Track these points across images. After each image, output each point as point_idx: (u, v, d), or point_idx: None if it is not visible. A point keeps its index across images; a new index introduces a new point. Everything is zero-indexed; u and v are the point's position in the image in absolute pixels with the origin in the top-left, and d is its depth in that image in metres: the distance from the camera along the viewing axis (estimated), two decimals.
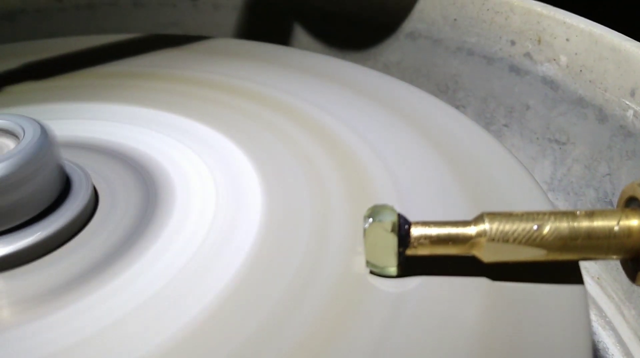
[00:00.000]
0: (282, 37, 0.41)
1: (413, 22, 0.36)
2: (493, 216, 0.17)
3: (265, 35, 0.41)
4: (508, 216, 0.17)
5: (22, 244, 0.19)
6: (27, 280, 0.18)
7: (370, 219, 0.17)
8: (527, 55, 0.32)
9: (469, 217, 0.17)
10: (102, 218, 0.21)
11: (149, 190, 0.22)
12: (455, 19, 0.34)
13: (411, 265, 0.17)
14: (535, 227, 0.16)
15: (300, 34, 0.41)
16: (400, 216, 0.17)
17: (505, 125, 0.34)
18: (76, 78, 0.31)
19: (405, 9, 0.37)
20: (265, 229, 0.20)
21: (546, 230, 0.16)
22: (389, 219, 0.17)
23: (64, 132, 0.25)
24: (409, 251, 0.17)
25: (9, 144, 0.20)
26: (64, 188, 0.21)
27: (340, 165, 0.23)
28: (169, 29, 0.42)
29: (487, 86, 0.34)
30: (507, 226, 0.16)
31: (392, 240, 0.17)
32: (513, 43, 0.32)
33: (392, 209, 0.17)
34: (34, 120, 0.20)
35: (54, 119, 0.27)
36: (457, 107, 0.36)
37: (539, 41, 0.31)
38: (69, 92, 0.29)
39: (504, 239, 0.16)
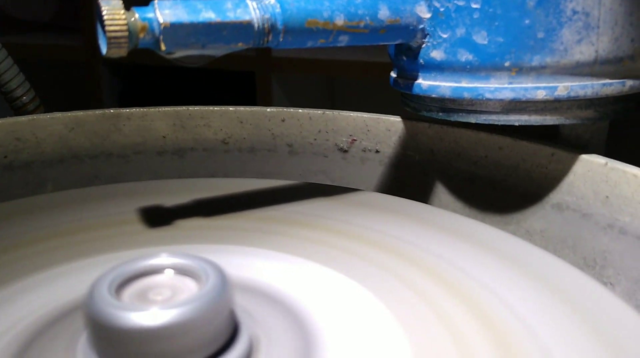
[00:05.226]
0: (422, 194, 0.43)
1: (561, 194, 0.37)
2: None
3: (405, 189, 0.43)
4: None
5: None
6: None
7: None
8: None
9: None
10: None
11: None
12: (607, 196, 0.34)
13: None
14: None
15: (441, 192, 0.42)
16: None
17: None
18: (238, 219, 0.33)
19: (553, 181, 0.37)
20: None
21: None
22: None
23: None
24: None
25: (190, 285, 0.22)
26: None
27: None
28: (318, 175, 0.45)
29: None
30: None
31: None
32: None
33: None
34: (216, 265, 0.22)
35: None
36: (605, 284, 0.34)
37: None
38: (231, 233, 0.32)
39: None
